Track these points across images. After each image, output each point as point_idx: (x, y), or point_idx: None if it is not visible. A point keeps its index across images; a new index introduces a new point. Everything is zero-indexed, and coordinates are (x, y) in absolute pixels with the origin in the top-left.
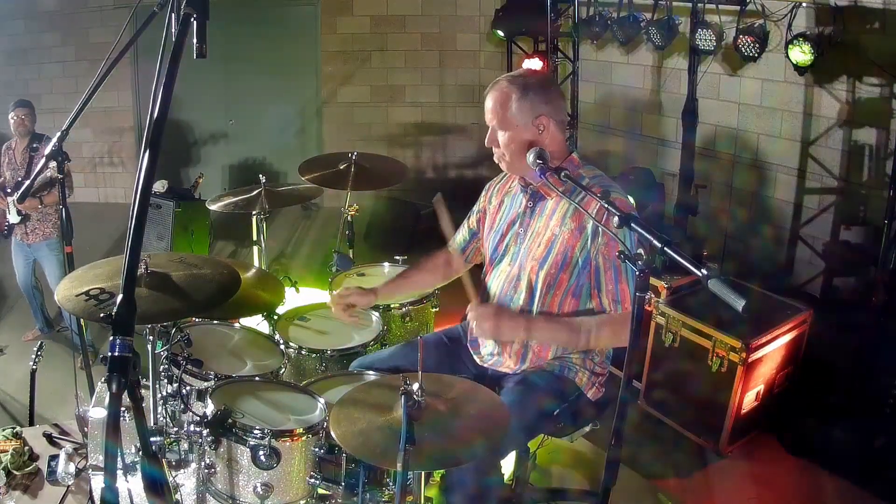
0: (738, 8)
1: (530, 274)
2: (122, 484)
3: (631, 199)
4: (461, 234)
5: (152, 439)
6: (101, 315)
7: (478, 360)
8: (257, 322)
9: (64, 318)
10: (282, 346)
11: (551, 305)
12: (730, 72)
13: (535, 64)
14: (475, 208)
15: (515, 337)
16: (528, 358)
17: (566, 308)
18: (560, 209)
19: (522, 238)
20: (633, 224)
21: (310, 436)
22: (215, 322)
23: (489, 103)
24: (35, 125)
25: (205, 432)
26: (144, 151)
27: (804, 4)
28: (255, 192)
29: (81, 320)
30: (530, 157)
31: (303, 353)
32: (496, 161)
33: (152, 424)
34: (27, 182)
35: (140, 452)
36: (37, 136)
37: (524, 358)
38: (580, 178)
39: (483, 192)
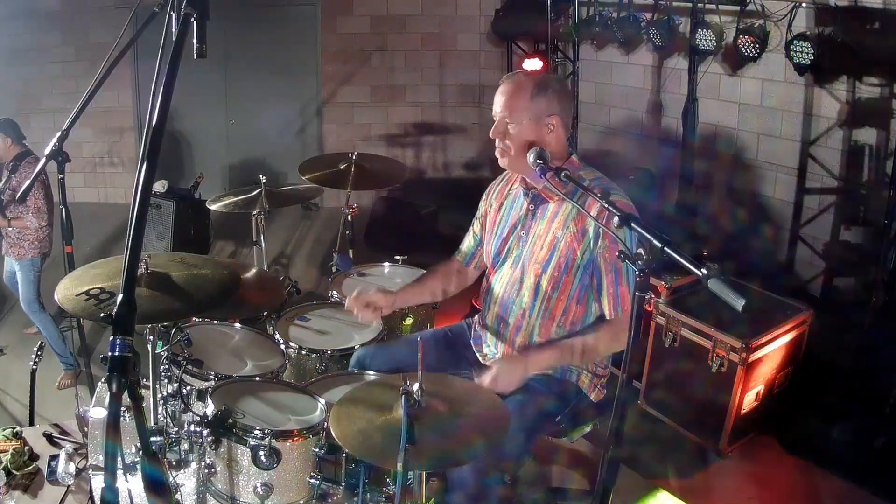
0: (738, 8)
1: (533, 277)
2: (122, 484)
3: (630, 201)
4: (467, 243)
5: (152, 439)
6: (102, 315)
7: (480, 359)
8: (257, 322)
9: (39, 330)
10: (282, 346)
11: (555, 309)
12: (730, 72)
13: (535, 64)
14: (477, 213)
15: (519, 379)
16: None
17: (570, 314)
18: (562, 212)
19: (524, 241)
20: (633, 224)
21: (310, 436)
22: (215, 322)
23: (503, 94)
24: (17, 144)
25: (205, 432)
26: (144, 150)
27: (804, 4)
28: (255, 192)
29: (82, 321)
30: (531, 156)
31: (303, 353)
32: (497, 155)
33: (152, 424)
34: (20, 192)
35: (140, 452)
36: (22, 155)
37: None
38: (581, 180)
39: (483, 196)
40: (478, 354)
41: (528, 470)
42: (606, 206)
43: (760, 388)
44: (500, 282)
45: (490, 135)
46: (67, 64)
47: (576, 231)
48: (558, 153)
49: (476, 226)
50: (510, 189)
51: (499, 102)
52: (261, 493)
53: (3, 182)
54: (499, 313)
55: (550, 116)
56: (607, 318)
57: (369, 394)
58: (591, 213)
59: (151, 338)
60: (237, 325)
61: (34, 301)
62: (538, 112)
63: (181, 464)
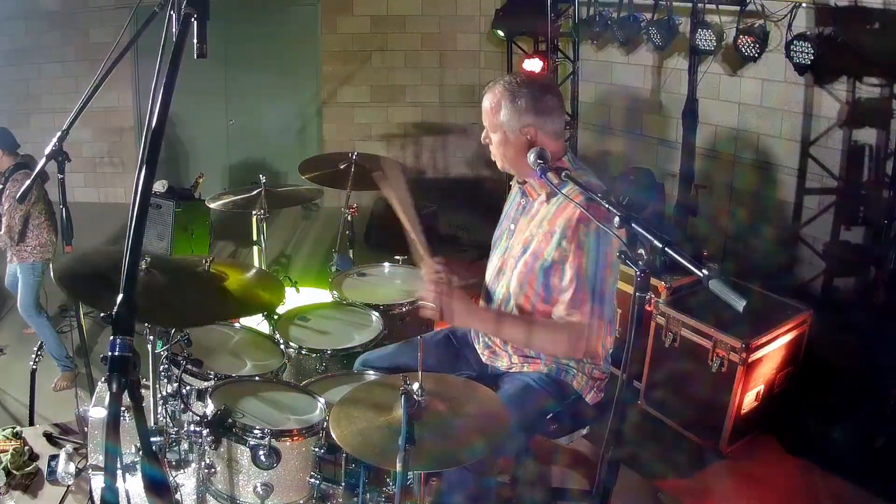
0: (738, 8)
1: (508, 271)
2: (121, 484)
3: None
4: None
5: (152, 439)
6: (102, 315)
7: (480, 355)
8: (257, 322)
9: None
10: (282, 346)
11: (524, 304)
12: (730, 72)
13: (535, 64)
14: None
15: (482, 324)
16: (513, 350)
17: (539, 313)
18: (542, 211)
19: (511, 234)
20: (633, 224)
21: (310, 436)
22: (215, 322)
23: (483, 104)
24: (11, 155)
25: (205, 432)
26: (144, 150)
27: (804, 4)
28: (255, 192)
29: (82, 321)
30: (531, 157)
31: (303, 353)
32: (492, 157)
33: (152, 424)
34: (20, 193)
35: (140, 452)
36: (18, 166)
37: (506, 349)
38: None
39: None
40: (476, 348)
41: (528, 470)
42: (606, 206)
43: (760, 388)
44: (489, 272)
45: (482, 140)
46: (67, 64)
47: (546, 231)
48: (556, 154)
49: None
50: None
51: (482, 112)
52: (261, 493)
53: None
54: (485, 302)
55: (526, 127)
56: (555, 316)
57: (369, 394)
58: (568, 212)
59: (151, 338)
60: (237, 325)
61: (31, 306)
62: (511, 124)
63: (181, 464)
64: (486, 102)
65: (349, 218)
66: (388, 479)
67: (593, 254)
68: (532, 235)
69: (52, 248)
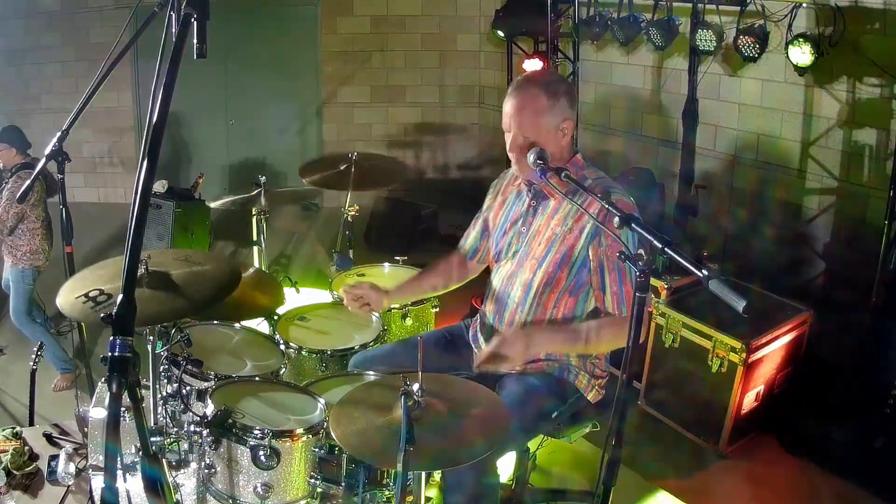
0: (738, 8)
1: (528, 272)
2: (121, 484)
3: (632, 201)
4: (471, 237)
5: (152, 439)
6: (101, 315)
7: None
8: (257, 322)
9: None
10: (282, 346)
11: (546, 303)
12: (730, 72)
13: (535, 64)
14: (482, 207)
15: (520, 358)
16: None
17: (562, 306)
18: (562, 209)
19: (524, 236)
20: (633, 224)
21: (310, 436)
22: (215, 322)
23: (515, 106)
24: (21, 154)
25: (205, 432)
26: (144, 150)
27: (804, 5)
28: (255, 192)
29: (82, 321)
30: (531, 157)
31: (303, 353)
32: (515, 164)
33: (152, 424)
34: (20, 193)
35: (140, 452)
36: (26, 165)
37: None
38: (583, 180)
39: (489, 191)
40: (476, 349)
41: (527, 470)
42: (607, 206)
43: (760, 388)
44: (499, 277)
45: (508, 150)
46: (67, 64)
47: (573, 227)
48: (566, 153)
49: (480, 220)
50: (516, 184)
51: (512, 117)
52: (261, 493)
53: None
54: (495, 308)
55: (565, 122)
56: (611, 313)
57: (369, 394)
58: (592, 212)
59: (151, 338)
60: (237, 325)
61: (23, 313)
62: (555, 123)
63: (181, 464)
64: (521, 104)
65: (349, 218)
66: (387, 479)
67: (630, 243)
68: (556, 234)
69: (43, 258)
